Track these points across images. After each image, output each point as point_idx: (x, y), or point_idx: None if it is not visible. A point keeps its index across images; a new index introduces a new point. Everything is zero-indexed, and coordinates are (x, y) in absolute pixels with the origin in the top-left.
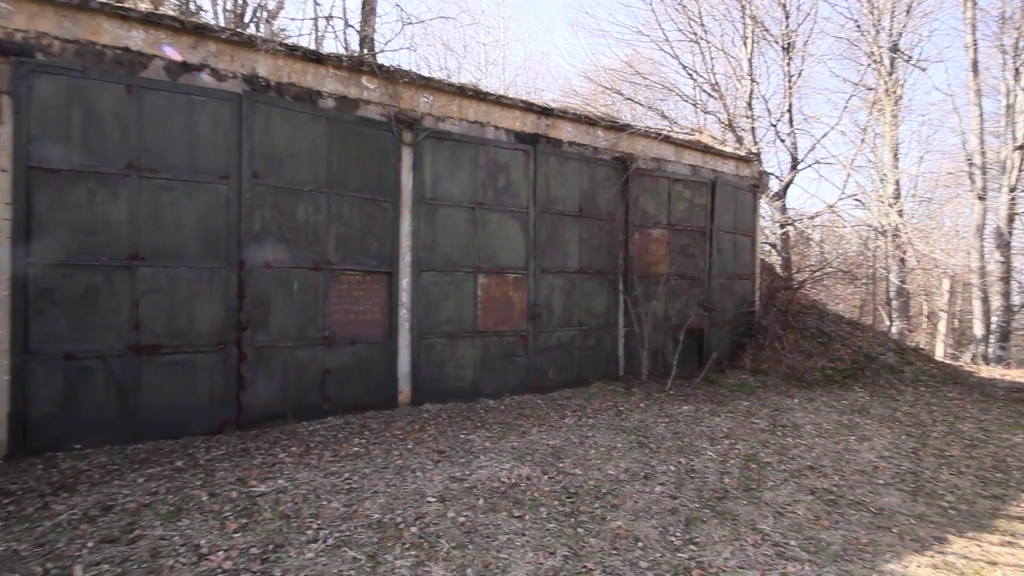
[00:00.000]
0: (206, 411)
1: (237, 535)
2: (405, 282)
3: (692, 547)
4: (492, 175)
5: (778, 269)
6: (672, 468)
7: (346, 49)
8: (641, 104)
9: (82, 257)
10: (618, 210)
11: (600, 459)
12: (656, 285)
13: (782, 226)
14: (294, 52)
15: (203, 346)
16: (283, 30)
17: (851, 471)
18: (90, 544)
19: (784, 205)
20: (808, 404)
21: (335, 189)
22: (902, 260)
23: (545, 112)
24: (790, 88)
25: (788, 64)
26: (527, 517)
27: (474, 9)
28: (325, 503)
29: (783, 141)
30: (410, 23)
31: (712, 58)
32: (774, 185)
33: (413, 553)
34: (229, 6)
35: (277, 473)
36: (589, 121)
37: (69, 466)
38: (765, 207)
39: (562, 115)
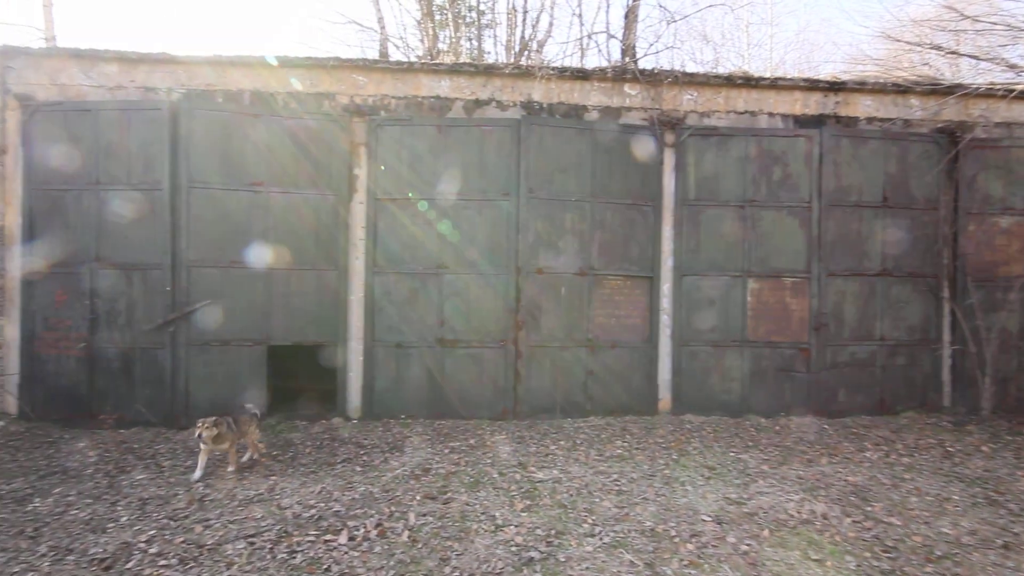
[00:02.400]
0: (490, 399)
1: (524, 514)
2: (666, 287)
3: None
4: (765, 168)
5: None
6: None
7: (608, 61)
8: (973, 57)
9: (406, 267)
10: (942, 196)
11: (927, 511)
12: (1005, 291)
13: None
14: (563, 73)
15: (489, 343)
16: (548, 62)
17: None
18: (418, 498)
19: None
20: None
21: (599, 197)
22: None
23: (833, 88)
24: None
25: None
26: (829, 563)
27: None
28: (597, 500)
29: None
30: (673, 21)
31: None
32: None
33: (693, 572)
34: (503, 40)
35: (551, 463)
36: (897, 89)
37: (398, 431)
38: None
39: (858, 87)
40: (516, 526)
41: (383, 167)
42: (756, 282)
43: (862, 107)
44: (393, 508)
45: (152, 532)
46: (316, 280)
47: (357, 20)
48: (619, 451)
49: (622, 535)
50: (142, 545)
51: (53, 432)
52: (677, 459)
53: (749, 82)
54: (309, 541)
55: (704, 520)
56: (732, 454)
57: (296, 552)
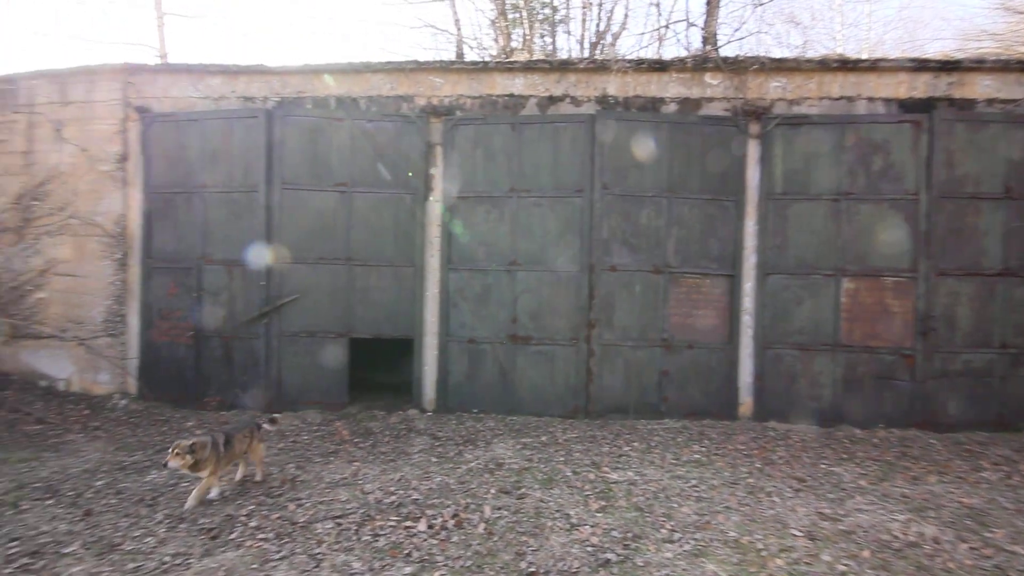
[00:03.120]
0: (562, 396)
1: (599, 515)
2: (748, 286)
3: None
4: (863, 158)
5: None
6: None
7: (688, 50)
8: None
9: (480, 264)
10: None
11: None
12: None
13: None
14: (640, 66)
15: (560, 340)
16: (623, 55)
17: None
18: (492, 491)
19: None
20: None
21: (676, 192)
22: None
23: (945, 68)
24: None
25: None
26: None
27: None
28: (676, 505)
29: None
30: (759, 4)
31: None
32: None
33: None
34: (577, 35)
35: (625, 464)
36: (1023, 67)
37: (471, 425)
38: None
39: (975, 66)
40: (591, 526)
41: (458, 166)
42: (851, 281)
43: (980, 88)
44: (469, 500)
45: (251, 507)
46: (394, 276)
47: (432, 24)
48: (697, 456)
49: (703, 544)
50: (243, 518)
51: (166, 411)
52: (761, 468)
53: (846, 65)
54: (390, 526)
55: (794, 535)
56: (823, 466)
57: (379, 535)
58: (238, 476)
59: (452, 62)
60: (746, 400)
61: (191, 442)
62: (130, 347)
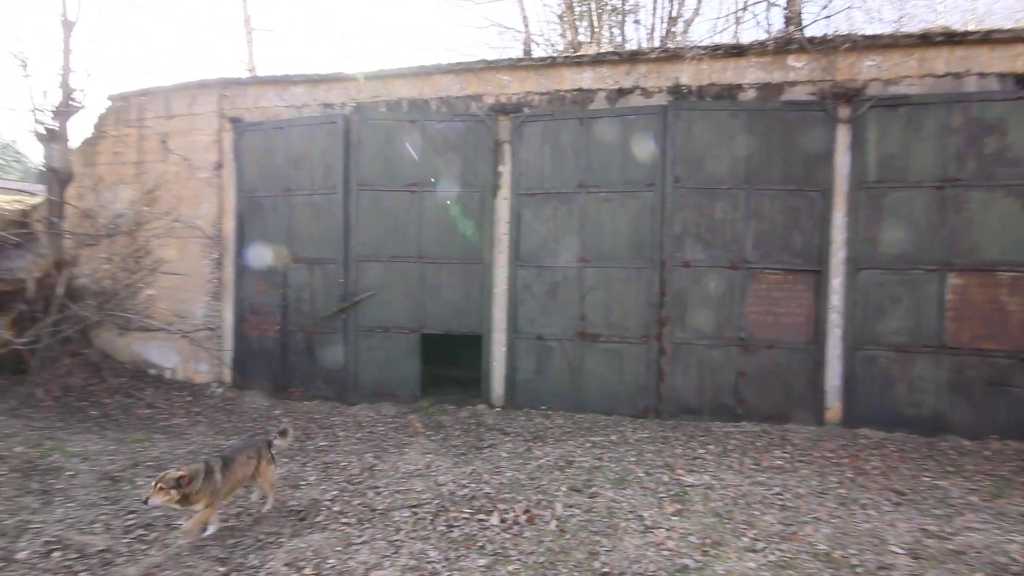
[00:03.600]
0: (631, 396)
1: (675, 518)
2: (836, 282)
3: None
4: (973, 140)
5: None
6: None
7: (768, 32)
8: None
9: (548, 261)
10: None
11: None
12: None
13: None
14: (715, 52)
15: (629, 338)
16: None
17: None
18: (563, 488)
19: None
20: None
21: (754, 184)
22: None
23: None
24: None
25: None
26: None
27: None
28: (757, 513)
29: None
30: None
31: None
32: None
33: None
34: (647, 25)
35: (700, 468)
36: None
37: (539, 422)
38: None
39: None
40: (667, 529)
41: (526, 163)
42: (959, 277)
43: None
44: (540, 496)
45: (335, 493)
46: (463, 273)
47: (499, 22)
48: (779, 462)
49: (790, 556)
50: (327, 503)
51: (256, 399)
52: (853, 478)
53: (952, 39)
54: (464, 518)
55: (895, 552)
56: (926, 479)
57: (453, 527)
58: (254, 497)
59: (520, 59)
60: (834, 404)
61: (178, 474)
62: (225, 340)
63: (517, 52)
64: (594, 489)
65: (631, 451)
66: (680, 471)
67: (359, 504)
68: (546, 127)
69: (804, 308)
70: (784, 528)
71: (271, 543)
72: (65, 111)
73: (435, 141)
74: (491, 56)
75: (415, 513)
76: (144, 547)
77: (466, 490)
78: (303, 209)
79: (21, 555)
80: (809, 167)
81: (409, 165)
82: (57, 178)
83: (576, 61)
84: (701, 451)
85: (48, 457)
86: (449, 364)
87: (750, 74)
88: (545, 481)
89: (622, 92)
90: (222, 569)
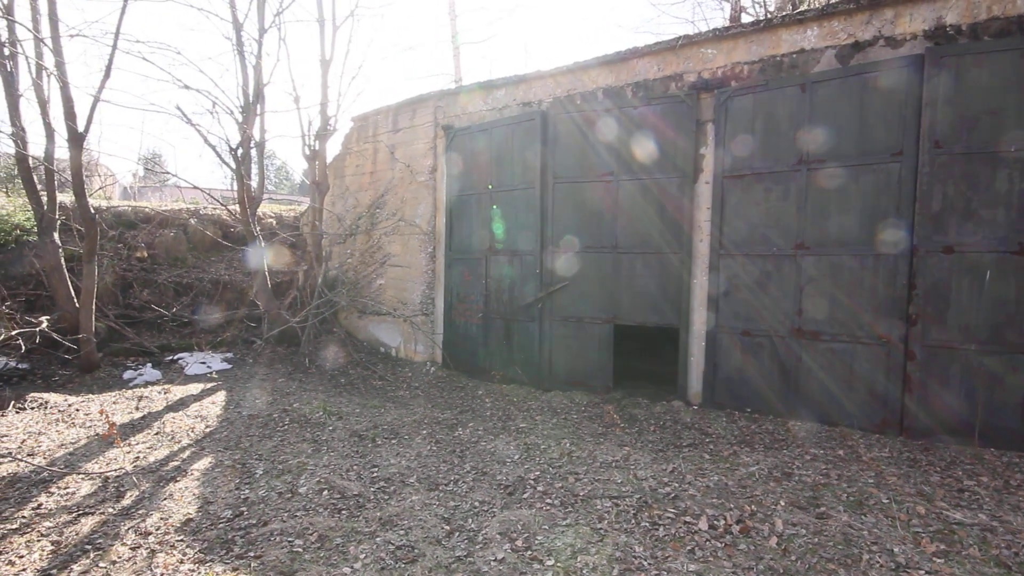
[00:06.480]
0: (864, 406)
1: (939, 560)
2: None
3: None
4: None
5: None
6: None
7: None
8: None
9: (757, 248)
10: None
11: None
12: None
13: None
14: None
15: (862, 337)
16: None
17: None
18: (782, 503)
19: None
20: None
21: None
22: None
23: None
24: None
25: None
26: None
27: None
28: None
29: None
30: None
31: None
32: None
33: None
34: None
35: (973, 503)
36: None
37: (744, 425)
38: None
39: None
40: (928, 573)
41: (731, 142)
42: None
43: None
44: (754, 507)
45: (537, 473)
46: (659, 263)
47: None
48: None
49: None
50: (531, 481)
51: (463, 380)
52: None
53: None
54: (668, 518)
55: None
56: None
57: (657, 525)
58: None
59: (727, 28)
60: None
61: None
62: (437, 324)
63: (717, 25)
64: (823, 509)
65: (867, 471)
66: (942, 503)
67: (560, 487)
68: (757, 100)
69: None
70: None
71: (485, 511)
72: (323, 134)
73: (630, 128)
74: (688, 32)
75: (616, 504)
76: (386, 497)
77: (668, 488)
78: (504, 204)
79: (302, 490)
80: None
81: (604, 154)
82: (319, 190)
83: (798, 19)
84: (969, 482)
85: (315, 414)
86: (638, 357)
87: None
88: (759, 492)
89: (858, 46)
90: (447, 528)
